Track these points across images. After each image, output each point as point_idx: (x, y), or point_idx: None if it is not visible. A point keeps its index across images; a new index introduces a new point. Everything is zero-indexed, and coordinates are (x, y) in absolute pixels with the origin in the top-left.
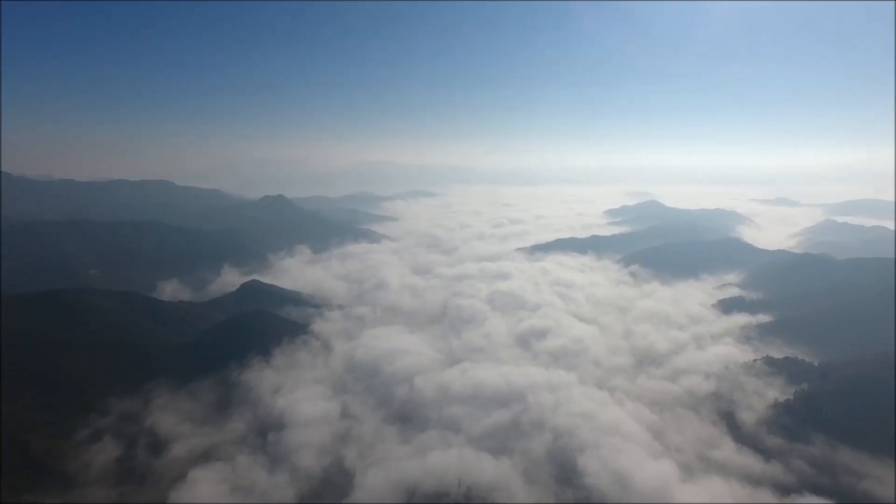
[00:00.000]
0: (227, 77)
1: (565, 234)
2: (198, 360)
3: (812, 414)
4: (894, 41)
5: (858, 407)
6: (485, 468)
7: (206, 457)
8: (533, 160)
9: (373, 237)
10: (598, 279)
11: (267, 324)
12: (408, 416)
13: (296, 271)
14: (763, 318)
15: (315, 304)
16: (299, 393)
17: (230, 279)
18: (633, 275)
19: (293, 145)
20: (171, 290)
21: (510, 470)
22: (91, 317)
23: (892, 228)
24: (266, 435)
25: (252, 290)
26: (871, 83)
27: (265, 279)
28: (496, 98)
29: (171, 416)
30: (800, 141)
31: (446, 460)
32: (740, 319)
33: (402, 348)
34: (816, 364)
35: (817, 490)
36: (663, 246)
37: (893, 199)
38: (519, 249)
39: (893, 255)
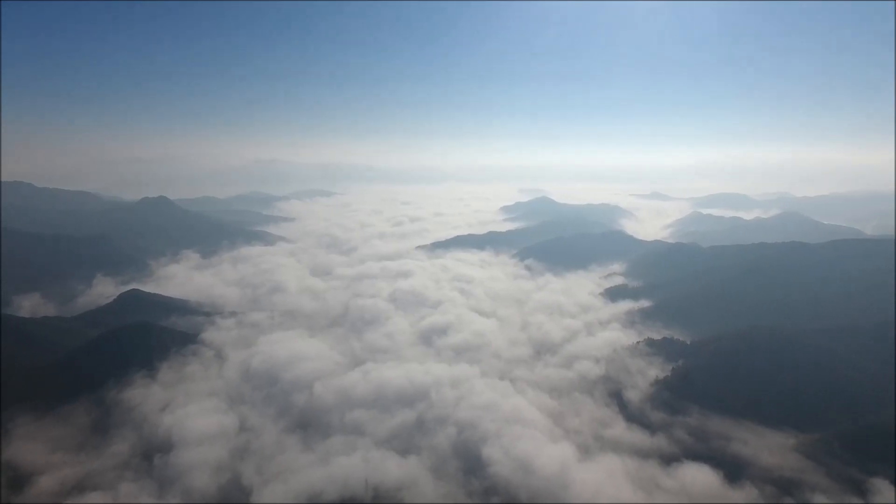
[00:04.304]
0: (96, 68)
1: (464, 231)
2: (68, 380)
3: (687, 387)
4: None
5: (723, 378)
6: (392, 468)
7: (80, 488)
8: (430, 159)
9: (267, 239)
10: (496, 274)
11: (150, 336)
12: (310, 424)
13: (182, 278)
14: (644, 303)
15: (205, 311)
16: (190, 408)
17: (104, 290)
18: (528, 268)
19: (173, 143)
20: (30, 305)
21: (417, 467)
22: None
23: (747, 218)
24: (152, 457)
25: (132, 301)
26: (721, 91)
27: (147, 288)
28: (393, 97)
29: (36, 446)
30: (667, 141)
31: (351, 465)
32: (625, 306)
33: (303, 353)
34: (689, 342)
35: (695, 456)
36: (555, 240)
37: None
38: (419, 247)
39: (748, 242)
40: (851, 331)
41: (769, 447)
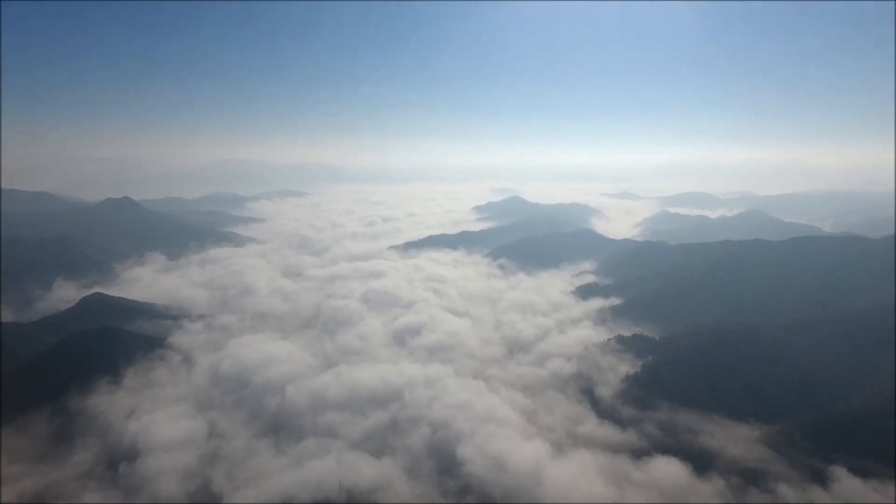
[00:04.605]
0: (55, 65)
1: (436, 231)
2: (27, 389)
3: (656, 383)
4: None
5: (691, 373)
6: (366, 470)
7: (40, 498)
8: (402, 159)
9: (237, 240)
10: (469, 273)
11: (114, 341)
12: (282, 427)
13: (148, 281)
14: (615, 300)
15: (172, 315)
16: (158, 414)
17: (65, 294)
18: (501, 267)
19: (137, 142)
20: None
21: (392, 468)
22: None
23: (712, 217)
24: (118, 466)
25: (95, 305)
26: (687, 92)
27: (111, 291)
28: (365, 97)
29: None
30: (637, 141)
31: (325, 467)
32: (596, 303)
33: (274, 356)
34: (658, 338)
35: (665, 450)
36: (527, 239)
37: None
38: (392, 247)
39: (714, 240)
40: (810, 325)
41: (735, 439)
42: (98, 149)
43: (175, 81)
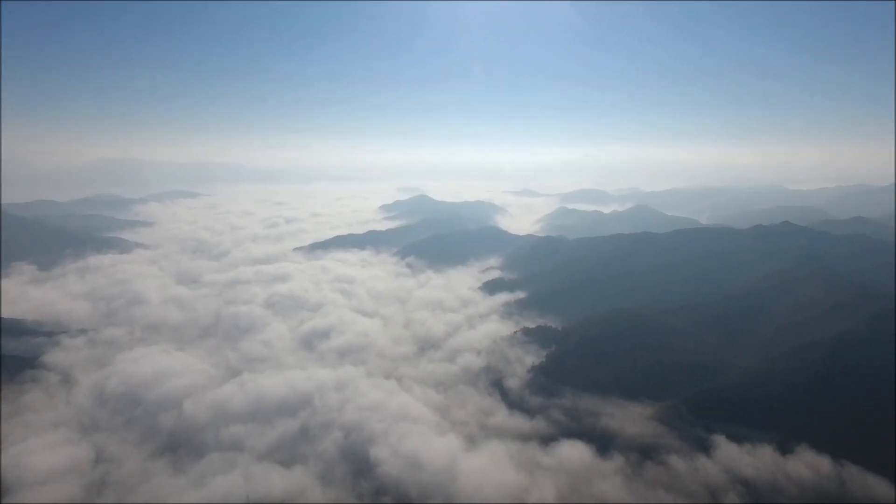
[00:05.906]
0: None
1: (343, 231)
2: None
3: (560, 371)
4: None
5: (590, 359)
6: (276, 481)
7: None
8: (305, 158)
9: (122, 246)
10: (377, 273)
11: None
12: (181, 445)
13: (14, 294)
14: (520, 294)
15: (46, 331)
16: (30, 443)
17: None
18: (409, 266)
19: None
20: None
21: (304, 476)
22: None
23: (605, 212)
24: None
25: None
26: (581, 94)
27: None
28: (264, 92)
29: None
30: (536, 140)
31: (230, 483)
32: (502, 298)
33: (169, 369)
34: (560, 328)
35: (570, 434)
36: (434, 237)
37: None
38: (297, 249)
39: (607, 233)
40: (691, 309)
41: (632, 418)
42: None
43: (47, 70)
